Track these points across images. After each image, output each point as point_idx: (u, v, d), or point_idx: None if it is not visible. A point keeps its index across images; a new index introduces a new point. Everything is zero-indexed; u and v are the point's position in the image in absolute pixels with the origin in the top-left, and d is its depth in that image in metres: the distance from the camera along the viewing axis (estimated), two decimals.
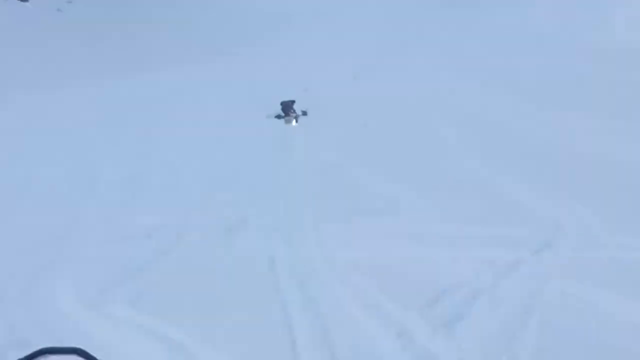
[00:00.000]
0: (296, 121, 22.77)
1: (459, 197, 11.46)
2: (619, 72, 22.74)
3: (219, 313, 7.14)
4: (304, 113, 23.74)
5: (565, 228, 9.52)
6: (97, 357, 2.26)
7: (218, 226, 10.02)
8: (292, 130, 20.23)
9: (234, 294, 7.60)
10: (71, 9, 49.82)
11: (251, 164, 14.77)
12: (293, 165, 14.73)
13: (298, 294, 7.62)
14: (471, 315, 6.97)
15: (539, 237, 9.18)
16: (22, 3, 48.98)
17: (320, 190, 12.46)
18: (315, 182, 13.13)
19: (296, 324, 6.88)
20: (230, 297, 7.53)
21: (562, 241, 9.06)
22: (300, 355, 6.25)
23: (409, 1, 45.31)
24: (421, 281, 7.89)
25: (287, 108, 23.73)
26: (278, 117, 23.46)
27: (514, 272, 8.04)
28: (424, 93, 24.68)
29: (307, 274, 8.22)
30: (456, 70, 28.24)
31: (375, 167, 14.28)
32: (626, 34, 31.14)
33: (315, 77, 27.68)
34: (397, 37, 36.51)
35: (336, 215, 10.66)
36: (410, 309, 7.11)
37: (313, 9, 48.21)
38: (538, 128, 17.32)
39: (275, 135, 18.63)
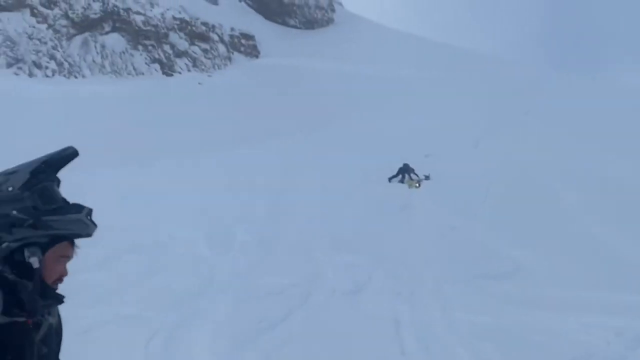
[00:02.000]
0: (419, 185, 22.83)
1: (582, 261, 11.03)
2: None
3: None
4: (427, 177, 23.79)
5: None
6: None
7: (344, 287, 10.14)
8: (416, 194, 20.19)
9: (359, 354, 7.66)
10: (210, 82, 53.27)
11: (375, 227, 14.88)
12: (416, 229, 14.68)
13: (422, 357, 7.56)
14: None
15: None
16: (167, 77, 52.88)
17: (443, 253, 12.38)
18: (438, 245, 13.05)
19: None
20: (357, 356, 7.60)
21: None
22: None
23: (526, 70, 44.69)
24: (545, 348, 7.60)
25: (405, 172, 23.94)
26: (400, 181, 23.65)
27: None
28: (543, 157, 24.11)
29: (430, 336, 8.14)
30: (575, 134, 27.49)
31: (498, 231, 14.04)
32: None
33: (436, 144, 27.77)
34: (512, 105, 36.10)
35: (459, 278, 10.54)
36: None
37: (432, 79, 48.72)
38: None
39: (399, 199, 18.66)
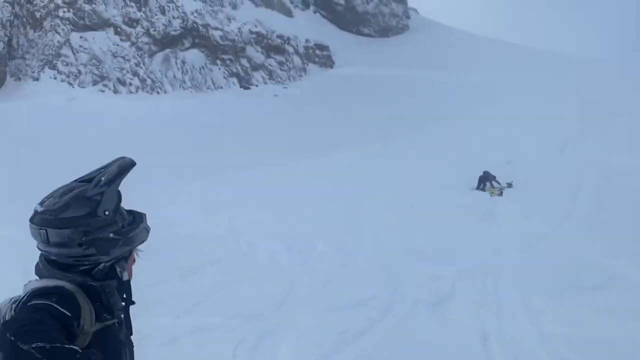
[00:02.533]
0: (501, 193, 22.29)
1: None
2: None
3: None
4: (509, 185, 23.18)
5: None
6: None
7: (426, 298, 9.98)
8: (498, 202, 19.72)
9: None
10: (285, 93, 53.91)
11: (457, 236, 14.60)
12: (500, 238, 14.32)
13: None
14: None
15: None
16: (245, 90, 53.86)
17: (530, 262, 12.01)
18: (525, 255, 12.67)
19: None
20: None
21: None
22: None
23: (615, 70, 42.98)
24: None
25: (485, 180, 23.40)
26: (482, 189, 23.16)
27: None
28: (636, 162, 23.09)
29: (519, 350, 7.88)
30: None
31: (588, 239, 13.52)
32: None
33: (518, 150, 27.10)
34: (601, 108, 34.80)
35: (548, 288, 10.19)
36: None
37: (512, 82, 47.65)
38: None
39: (481, 208, 18.26)
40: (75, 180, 2.54)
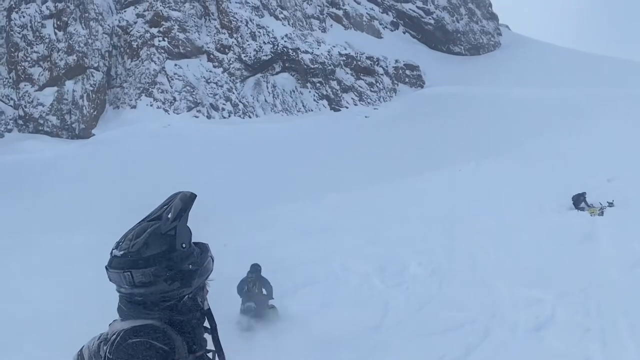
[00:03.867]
0: (602, 213, 21.44)
1: None
2: None
3: None
4: (611, 204, 22.25)
5: None
6: None
7: (526, 323, 9.75)
8: (599, 223, 18.98)
9: None
10: (375, 114, 54.08)
11: (555, 258, 14.17)
12: (602, 260, 13.78)
13: None
14: None
15: None
16: (335, 112, 54.43)
17: (635, 286, 11.49)
18: (629, 278, 12.14)
19: None
20: None
21: None
22: None
23: None
24: None
25: (578, 201, 22.56)
26: (581, 208, 22.37)
27: None
28: None
29: None
30: None
31: None
32: None
33: (619, 166, 26.04)
34: None
35: None
36: None
37: (608, 96, 45.94)
38: None
39: (580, 229, 17.62)
40: (143, 220, 2.64)
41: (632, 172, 24.76)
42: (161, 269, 2.53)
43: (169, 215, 2.60)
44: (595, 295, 11.13)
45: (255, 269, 12.30)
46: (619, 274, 12.62)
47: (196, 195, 2.68)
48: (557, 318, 9.96)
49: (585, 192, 22.69)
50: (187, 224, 2.66)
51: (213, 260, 2.79)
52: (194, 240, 2.69)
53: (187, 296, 2.65)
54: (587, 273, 12.84)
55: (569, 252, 14.77)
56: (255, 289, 11.67)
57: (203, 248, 2.75)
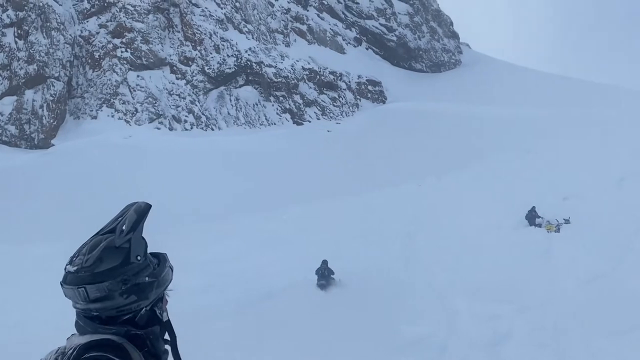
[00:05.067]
0: (558, 230, 21.80)
1: None
2: None
3: None
4: (567, 221, 22.63)
5: None
6: None
7: (483, 339, 9.79)
8: (556, 239, 19.27)
9: None
10: (338, 129, 54.29)
11: (513, 274, 14.31)
12: (559, 276, 13.97)
13: None
14: None
15: None
16: (298, 126, 54.50)
17: (590, 302, 11.66)
18: (584, 294, 12.32)
19: None
20: None
21: None
22: None
23: None
24: None
25: (532, 217, 22.99)
26: (538, 225, 22.73)
27: None
28: None
29: None
30: None
31: None
32: None
33: (575, 185, 26.55)
34: None
35: (609, 329, 9.86)
36: None
37: (567, 117, 46.97)
38: None
39: (538, 245, 17.87)
40: (96, 234, 2.56)
41: (588, 191, 25.25)
42: (116, 283, 2.44)
43: (123, 228, 2.51)
44: (553, 310, 11.25)
45: (325, 262, 16.56)
46: (575, 289, 12.80)
47: (150, 206, 2.59)
48: (515, 333, 10.02)
49: (534, 207, 23.10)
50: (143, 235, 2.59)
51: (172, 270, 2.71)
52: (152, 250, 2.63)
53: (145, 309, 2.57)
54: (544, 288, 12.99)
55: (527, 267, 14.94)
56: (325, 273, 16.39)
57: (161, 259, 2.67)
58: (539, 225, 22.56)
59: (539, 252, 16.78)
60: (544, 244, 17.99)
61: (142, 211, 2.54)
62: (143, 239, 2.55)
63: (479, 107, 53.74)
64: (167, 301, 2.70)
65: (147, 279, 2.51)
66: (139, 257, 2.50)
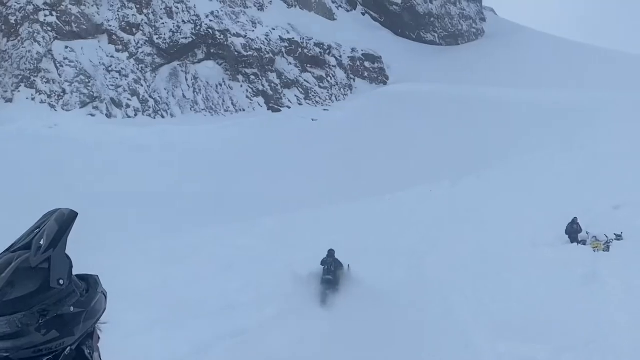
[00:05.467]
0: (608, 248, 21.95)
1: None
2: None
3: None
4: (619, 237, 22.76)
5: None
6: None
7: None
8: (604, 260, 19.38)
9: None
10: (326, 117, 54.34)
11: (551, 305, 14.36)
12: (607, 308, 14.04)
13: None
14: None
15: None
16: (274, 113, 54.57)
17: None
18: (638, 329, 12.41)
19: None
20: None
21: None
22: None
23: None
24: None
25: (573, 232, 23.14)
26: (582, 242, 22.87)
27: None
28: None
29: None
30: None
31: None
32: None
33: (630, 191, 26.76)
34: None
35: None
36: None
37: (619, 102, 47.28)
38: None
39: (581, 268, 17.95)
40: (7, 250, 2.48)
41: None
42: (31, 316, 2.37)
43: (41, 243, 2.45)
44: (600, 351, 11.30)
45: (331, 253, 19.27)
46: (630, 323, 12.87)
47: (77, 214, 2.52)
48: None
49: (576, 218, 23.22)
50: (67, 253, 2.52)
51: (106, 298, 2.64)
52: (78, 272, 2.56)
53: (69, 348, 2.50)
54: (590, 323, 13.05)
55: (568, 296, 15.00)
56: (332, 267, 18.89)
57: (91, 283, 2.59)
58: (584, 242, 22.71)
59: (583, 276, 16.86)
60: (589, 266, 18.09)
61: (65, 221, 2.47)
62: (67, 257, 2.48)
63: (507, 90, 54.04)
64: (99, 338, 2.64)
65: (72, 309, 2.43)
66: (61, 281, 2.43)
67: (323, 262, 19.06)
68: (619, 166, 30.69)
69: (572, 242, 22.92)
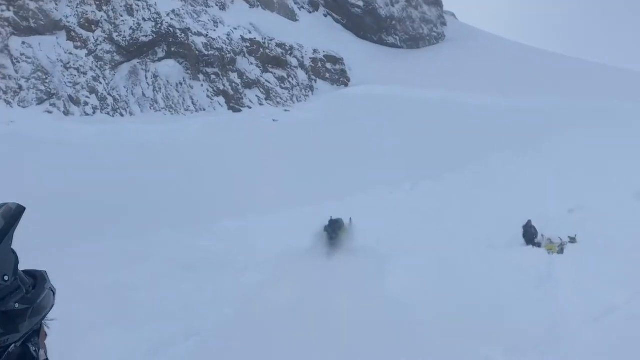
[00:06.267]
0: (562, 250, 22.28)
1: None
2: None
3: None
4: (572, 240, 23.13)
5: None
6: None
7: None
8: (558, 263, 19.69)
9: None
10: (287, 118, 54.36)
11: (506, 306, 14.54)
12: (561, 309, 14.27)
13: None
14: None
15: None
16: (234, 113, 54.40)
17: (601, 344, 11.95)
18: (594, 332, 12.62)
19: None
20: None
21: None
22: None
23: None
24: None
25: (530, 234, 23.45)
26: (537, 244, 23.19)
27: None
28: None
29: None
30: None
31: None
32: None
33: (584, 195, 27.14)
34: None
35: None
36: None
37: (582, 110, 47.96)
38: None
39: (535, 270, 18.22)
40: None
41: (600, 202, 25.81)
42: None
43: None
44: (553, 353, 11.48)
45: (332, 222, 20.69)
46: (581, 327, 13.08)
47: (24, 209, 2.53)
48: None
49: (530, 221, 23.59)
50: (13, 247, 2.53)
51: (54, 294, 2.65)
52: (25, 268, 2.56)
53: (14, 345, 2.51)
54: (542, 326, 13.25)
55: (521, 299, 15.21)
56: (334, 234, 20.39)
57: (38, 278, 2.60)
58: (538, 245, 23.04)
59: (537, 278, 17.12)
60: (543, 268, 18.38)
61: (12, 216, 2.47)
62: (13, 252, 2.48)
63: (467, 94, 54.52)
64: (46, 335, 2.64)
65: (16, 305, 2.43)
66: (6, 277, 2.43)
67: (327, 228, 20.93)
68: (574, 170, 31.20)
69: (527, 244, 23.25)
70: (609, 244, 20.91)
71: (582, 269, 18.06)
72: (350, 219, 21.85)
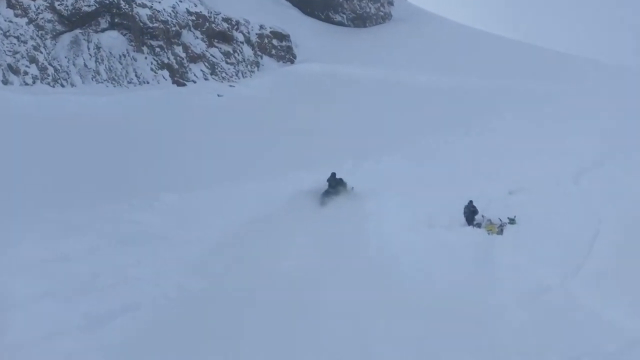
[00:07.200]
0: (501, 231, 22.55)
1: None
2: None
3: None
4: (512, 221, 23.44)
5: None
6: None
7: None
8: (497, 243, 19.93)
9: None
10: (232, 93, 53.98)
11: (445, 287, 14.69)
12: (498, 289, 14.46)
13: None
14: None
15: None
16: (179, 87, 53.87)
17: (535, 321, 12.14)
18: (529, 312, 12.82)
19: None
20: None
21: None
22: None
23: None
24: None
25: (471, 215, 23.76)
26: (477, 225, 23.45)
27: None
28: None
29: None
30: None
31: (605, 294, 13.72)
32: None
33: (524, 177, 27.40)
34: (627, 126, 35.55)
35: (557, 354, 10.29)
36: None
37: (520, 90, 48.55)
38: None
39: (475, 250, 18.41)
40: None
41: (538, 184, 26.11)
42: None
43: None
44: (488, 332, 11.62)
45: (334, 175, 26.10)
46: (516, 306, 13.28)
47: None
48: (443, 358, 10.30)
49: (471, 201, 23.83)
50: None
51: None
52: None
53: None
54: (479, 304, 13.40)
55: (460, 277, 15.36)
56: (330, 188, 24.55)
57: None
58: (479, 225, 23.29)
59: (476, 258, 17.31)
60: (483, 248, 18.57)
61: None
62: None
63: (409, 73, 54.74)
64: None
65: None
66: None
67: (329, 180, 25.89)
68: (515, 153, 31.55)
69: (468, 224, 23.49)
70: (547, 226, 21.23)
71: (520, 249, 18.32)
72: (353, 187, 26.47)
